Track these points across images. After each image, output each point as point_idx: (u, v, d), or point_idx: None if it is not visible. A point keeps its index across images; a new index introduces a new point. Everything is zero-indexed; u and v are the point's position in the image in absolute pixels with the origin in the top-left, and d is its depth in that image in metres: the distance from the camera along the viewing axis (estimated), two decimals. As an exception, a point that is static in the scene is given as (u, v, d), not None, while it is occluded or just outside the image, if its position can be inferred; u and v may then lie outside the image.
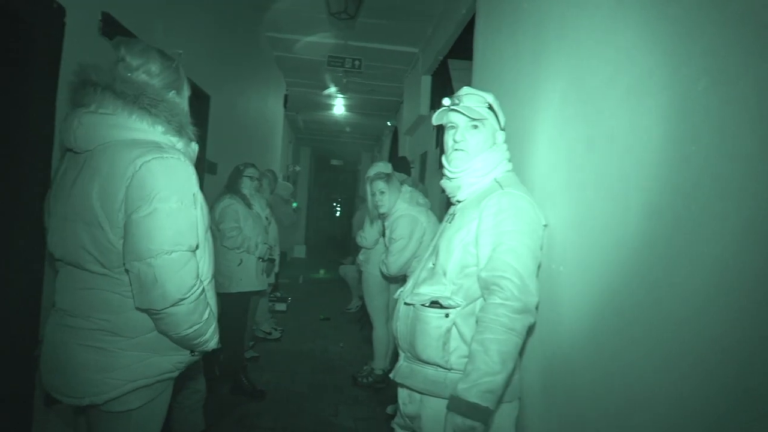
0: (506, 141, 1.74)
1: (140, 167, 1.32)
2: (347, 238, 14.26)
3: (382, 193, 3.35)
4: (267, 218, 3.97)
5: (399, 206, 3.32)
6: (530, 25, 2.04)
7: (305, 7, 4.77)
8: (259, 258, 3.69)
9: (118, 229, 1.34)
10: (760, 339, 0.86)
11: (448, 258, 1.61)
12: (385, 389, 3.79)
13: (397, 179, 3.45)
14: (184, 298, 1.35)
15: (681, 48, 1.10)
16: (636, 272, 1.22)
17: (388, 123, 9.37)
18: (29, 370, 1.79)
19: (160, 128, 1.45)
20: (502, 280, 1.44)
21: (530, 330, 1.54)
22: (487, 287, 1.49)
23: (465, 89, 1.73)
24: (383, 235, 3.50)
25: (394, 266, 3.21)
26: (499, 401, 1.46)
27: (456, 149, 1.69)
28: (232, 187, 3.61)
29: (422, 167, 5.91)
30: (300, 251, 12.10)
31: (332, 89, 7.53)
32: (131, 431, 1.48)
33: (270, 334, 5.06)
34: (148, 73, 1.48)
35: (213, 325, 1.51)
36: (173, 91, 1.54)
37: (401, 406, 1.75)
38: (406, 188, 3.44)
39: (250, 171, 3.67)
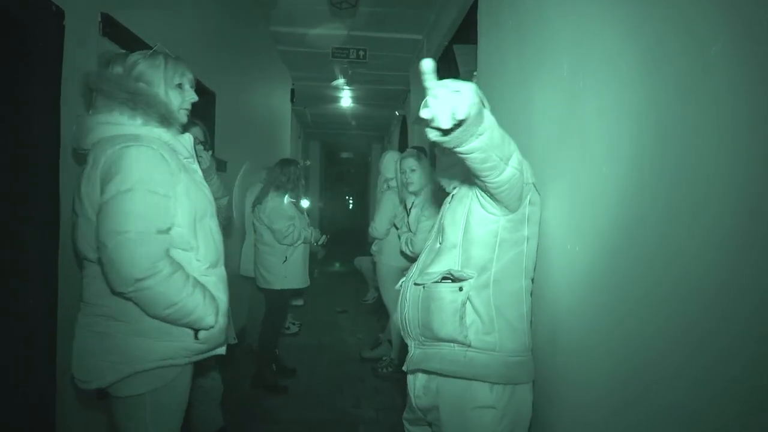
0: (512, 120, 1.72)
1: (111, 156, 1.42)
2: (361, 230, 14.32)
3: (413, 170, 3.34)
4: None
5: (430, 187, 3.29)
6: (533, 3, 2.00)
7: (305, 1, 4.74)
8: (317, 243, 3.88)
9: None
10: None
11: (456, 230, 1.61)
12: (405, 378, 3.77)
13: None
14: (144, 278, 1.38)
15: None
16: (655, 246, 1.18)
17: (396, 113, 9.31)
18: (49, 368, 1.81)
19: (139, 120, 1.53)
20: None
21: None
22: None
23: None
24: (408, 214, 3.45)
25: (420, 245, 3.17)
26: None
27: None
28: (275, 184, 3.70)
29: (432, 155, 5.86)
30: (323, 240, 11.91)
31: (340, 81, 7.48)
32: (147, 418, 1.53)
33: (288, 328, 5.07)
34: (124, 67, 1.56)
35: (202, 302, 1.51)
36: (162, 85, 1.60)
37: (413, 399, 1.73)
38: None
39: (292, 167, 3.77)
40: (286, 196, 3.65)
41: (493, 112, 1.42)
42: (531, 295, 1.67)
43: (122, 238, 1.36)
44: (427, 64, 1.05)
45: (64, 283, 1.84)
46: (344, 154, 15.83)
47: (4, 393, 1.68)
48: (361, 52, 5.86)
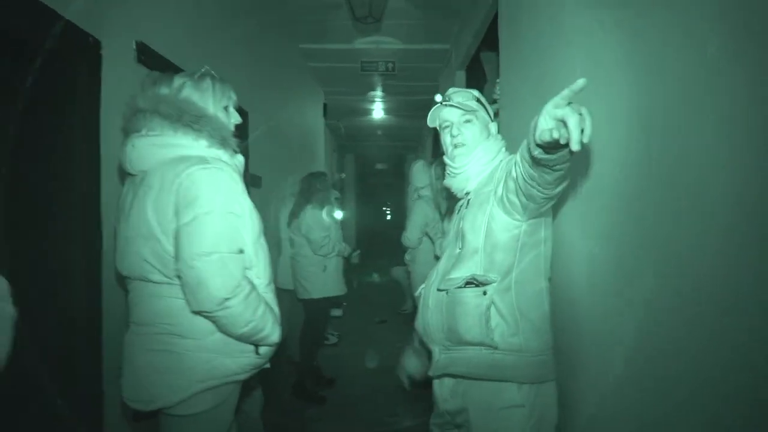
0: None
1: (185, 178, 1.44)
2: (399, 240, 14.30)
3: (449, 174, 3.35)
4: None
5: None
6: (549, 14, 2.02)
7: (333, 16, 4.83)
8: (344, 257, 3.99)
9: (173, 239, 1.45)
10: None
11: (478, 235, 1.62)
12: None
13: None
14: (230, 298, 1.43)
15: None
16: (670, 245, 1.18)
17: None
18: (96, 385, 1.89)
19: (204, 142, 1.57)
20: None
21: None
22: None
23: (451, 89, 1.81)
24: (442, 220, 3.46)
25: None
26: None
27: (456, 145, 1.74)
28: (308, 196, 3.82)
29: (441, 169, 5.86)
30: (354, 256, 12.01)
31: (372, 93, 7.57)
32: None
33: (327, 339, 5.13)
34: (183, 92, 1.60)
35: (271, 320, 1.58)
36: (210, 107, 1.64)
37: (441, 403, 1.75)
38: None
39: (323, 180, 3.93)
40: (325, 209, 3.73)
41: (516, 116, 1.45)
42: (549, 294, 1.69)
43: (210, 259, 1.41)
44: (583, 83, 1.06)
45: (108, 302, 1.93)
46: (379, 166, 15.90)
47: (53, 416, 1.75)
48: (390, 65, 5.91)
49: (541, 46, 2.10)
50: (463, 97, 1.76)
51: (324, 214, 3.73)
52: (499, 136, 1.79)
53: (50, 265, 1.78)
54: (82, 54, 1.82)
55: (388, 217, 17.66)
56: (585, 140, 1.03)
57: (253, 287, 1.54)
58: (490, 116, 1.79)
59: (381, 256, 10.37)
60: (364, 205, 15.35)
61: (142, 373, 1.50)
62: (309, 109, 6.81)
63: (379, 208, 17.46)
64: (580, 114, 1.04)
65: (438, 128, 1.82)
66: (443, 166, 3.31)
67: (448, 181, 1.83)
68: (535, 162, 1.26)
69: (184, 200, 1.44)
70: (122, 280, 1.69)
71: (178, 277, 1.46)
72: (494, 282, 1.56)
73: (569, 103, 1.07)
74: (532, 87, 2.21)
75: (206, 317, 1.48)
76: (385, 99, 8.09)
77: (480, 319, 1.55)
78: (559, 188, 1.40)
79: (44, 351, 1.70)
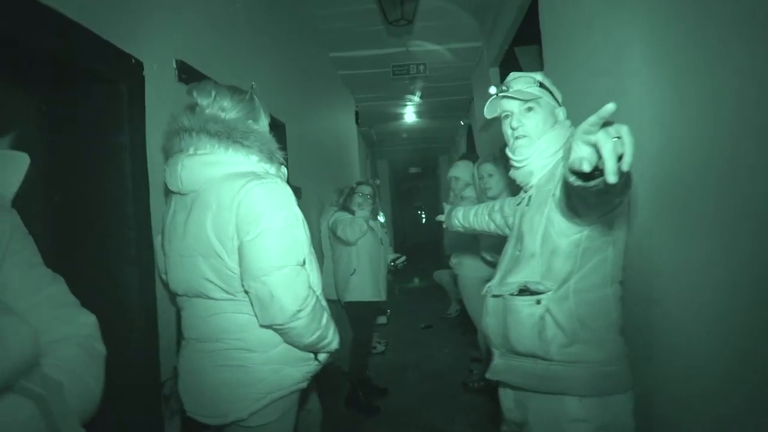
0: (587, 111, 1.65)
1: (245, 195, 1.44)
2: (436, 243, 14.20)
3: (491, 175, 3.29)
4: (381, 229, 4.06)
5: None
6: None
7: (362, 23, 4.82)
8: (390, 264, 3.96)
9: (235, 256, 1.46)
10: None
11: (535, 238, 1.51)
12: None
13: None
14: (301, 309, 1.44)
15: None
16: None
17: (461, 122, 9.23)
18: (156, 405, 1.88)
19: (254, 158, 1.58)
20: None
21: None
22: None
23: (512, 74, 1.67)
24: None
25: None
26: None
27: (517, 137, 1.62)
28: (343, 204, 3.85)
29: (504, 160, 5.74)
30: (401, 263, 11.89)
31: (404, 97, 7.53)
32: None
33: (375, 348, 5.08)
34: (222, 108, 1.60)
35: (332, 327, 1.62)
36: (251, 121, 1.64)
37: (506, 413, 1.67)
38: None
39: (361, 188, 3.86)
40: (362, 214, 3.66)
41: (566, 106, 1.38)
42: (621, 300, 1.53)
43: (281, 274, 1.43)
44: (612, 108, 0.92)
45: (162, 320, 1.92)
46: (412, 169, 15.86)
47: None
48: (421, 67, 5.86)
49: (593, 24, 2.00)
50: (525, 82, 1.62)
51: (361, 218, 3.66)
52: (567, 123, 1.63)
53: (105, 286, 1.78)
54: (126, 75, 1.82)
55: (423, 220, 17.58)
56: (625, 168, 0.89)
57: (317, 297, 1.55)
58: (557, 101, 1.65)
59: (420, 260, 10.32)
60: (399, 209, 15.33)
61: (213, 388, 1.52)
62: (342, 117, 6.81)
63: (414, 212, 17.41)
64: (618, 137, 0.90)
65: (500, 117, 1.70)
66: (488, 165, 3.28)
67: (513, 173, 1.72)
68: (574, 190, 1.14)
69: (246, 217, 1.44)
70: (174, 297, 1.70)
71: (246, 292, 1.47)
72: (549, 290, 1.45)
73: (605, 124, 0.93)
74: (581, 67, 2.12)
75: (276, 330, 1.50)
76: (417, 102, 8.04)
77: (532, 330, 1.45)
78: (613, 207, 1.27)
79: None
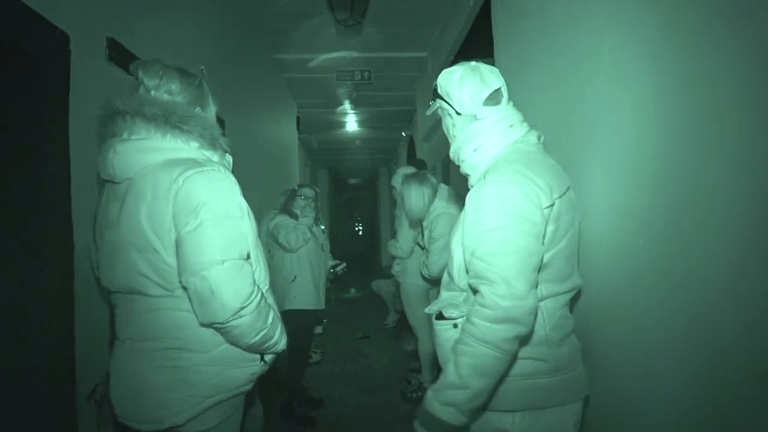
0: (547, 115, 1.62)
1: (183, 183, 1.33)
2: (373, 254, 14.15)
3: (394, 187, 3.35)
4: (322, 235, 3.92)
5: (437, 204, 3.21)
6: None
7: (310, 25, 4.72)
8: (330, 271, 3.83)
9: (172, 249, 1.34)
10: None
11: (452, 261, 1.45)
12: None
13: (427, 178, 3.35)
14: (244, 306, 1.33)
15: None
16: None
17: (403, 133, 9.28)
18: (69, 405, 1.70)
19: (194, 144, 1.46)
20: (482, 285, 1.24)
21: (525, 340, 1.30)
22: (474, 294, 1.31)
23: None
24: (421, 238, 3.37)
25: (435, 266, 3.08)
26: (469, 416, 1.25)
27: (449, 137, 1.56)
28: (285, 207, 3.64)
29: (445, 171, 5.77)
30: (341, 269, 11.72)
31: (347, 105, 7.47)
32: None
33: (310, 357, 4.93)
34: (170, 92, 1.48)
35: (279, 327, 1.51)
36: (198, 107, 1.53)
37: None
38: (443, 186, 3.35)
39: (303, 191, 3.68)
40: (306, 221, 3.53)
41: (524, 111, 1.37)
42: (551, 308, 1.41)
43: (222, 268, 1.31)
44: None
45: (80, 318, 1.74)
46: (352, 180, 15.82)
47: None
48: (366, 73, 5.82)
49: (551, 26, 2.00)
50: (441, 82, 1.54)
51: (291, 222, 3.52)
52: (492, 119, 1.44)
53: (17, 282, 1.58)
54: (49, 47, 1.64)
55: (360, 233, 17.54)
56: None
57: (263, 294, 1.44)
58: (453, 102, 1.49)
59: (357, 270, 10.21)
60: (338, 220, 15.22)
61: (147, 391, 1.39)
62: (283, 121, 6.66)
63: (352, 224, 17.37)
64: None
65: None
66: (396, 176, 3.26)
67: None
68: None
69: (184, 207, 1.32)
70: (105, 294, 1.56)
71: (184, 288, 1.34)
72: (463, 316, 1.36)
73: None
74: (540, 68, 2.12)
75: (217, 329, 1.38)
76: (360, 110, 8.00)
77: (451, 355, 1.32)
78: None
79: (13, 373, 1.55)
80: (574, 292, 1.46)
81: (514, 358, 1.27)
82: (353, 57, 5.56)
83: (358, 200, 16.77)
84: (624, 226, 1.55)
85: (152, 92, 1.47)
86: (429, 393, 1.28)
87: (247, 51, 4.57)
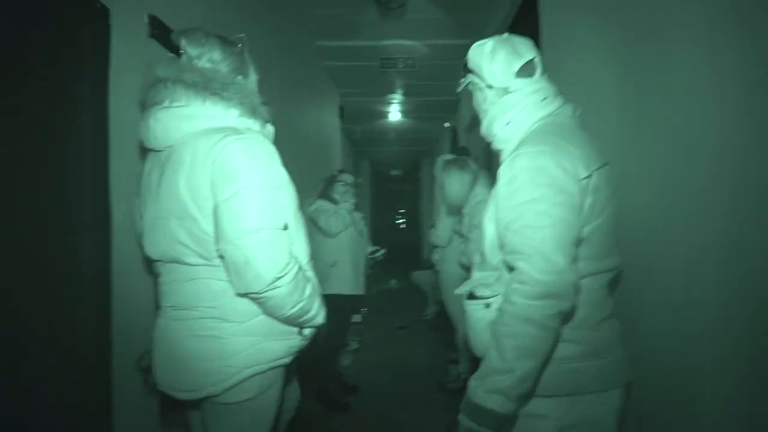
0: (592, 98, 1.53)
1: (221, 151, 1.32)
2: (414, 246, 14.07)
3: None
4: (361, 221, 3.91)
5: (478, 191, 3.13)
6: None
7: (353, 10, 4.67)
8: (369, 256, 3.82)
9: (210, 218, 1.33)
10: None
11: (483, 240, 1.38)
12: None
13: (468, 164, 3.27)
14: (280, 277, 1.31)
15: None
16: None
17: (446, 125, 9.14)
18: (105, 380, 1.72)
19: (234, 111, 1.44)
20: (518, 262, 1.17)
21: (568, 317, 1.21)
22: (510, 272, 1.23)
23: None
24: (460, 226, 3.30)
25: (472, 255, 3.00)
26: (517, 403, 1.18)
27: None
28: (324, 193, 3.63)
29: (488, 159, 5.65)
30: (380, 255, 11.69)
31: (392, 94, 7.40)
32: (247, 423, 1.47)
33: (348, 345, 4.92)
34: (212, 60, 1.49)
35: (317, 300, 1.49)
36: (240, 76, 1.53)
37: None
38: (484, 173, 3.26)
39: (343, 177, 3.69)
40: (346, 206, 3.52)
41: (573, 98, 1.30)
42: (597, 292, 1.34)
43: (258, 237, 1.29)
44: None
45: (118, 291, 1.75)
46: (394, 172, 15.77)
47: (60, 411, 1.58)
48: (410, 61, 5.74)
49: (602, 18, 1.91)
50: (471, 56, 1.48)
51: (330, 208, 3.51)
52: (522, 93, 1.37)
53: (53, 256, 1.59)
54: (89, 20, 1.65)
55: (403, 224, 17.49)
56: None
57: (300, 267, 1.42)
58: (494, 74, 1.41)
59: (399, 262, 10.18)
60: (379, 212, 15.18)
61: (186, 360, 1.40)
62: (325, 111, 6.64)
63: (394, 215, 17.34)
64: None
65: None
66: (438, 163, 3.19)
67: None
68: None
69: (222, 174, 1.31)
70: (150, 264, 1.57)
71: (220, 257, 1.34)
72: (498, 294, 1.28)
73: None
74: (590, 65, 2.02)
75: (252, 299, 1.37)
76: (403, 100, 7.92)
77: (483, 335, 1.28)
78: None
79: (50, 347, 1.55)
80: (613, 273, 1.37)
81: (558, 337, 1.19)
82: (397, 44, 5.48)
83: (401, 192, 16.72)
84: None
85: (194, 61, 1.47)
86: (472, 382, 1.21)
87: (289, 37, 4.56)
